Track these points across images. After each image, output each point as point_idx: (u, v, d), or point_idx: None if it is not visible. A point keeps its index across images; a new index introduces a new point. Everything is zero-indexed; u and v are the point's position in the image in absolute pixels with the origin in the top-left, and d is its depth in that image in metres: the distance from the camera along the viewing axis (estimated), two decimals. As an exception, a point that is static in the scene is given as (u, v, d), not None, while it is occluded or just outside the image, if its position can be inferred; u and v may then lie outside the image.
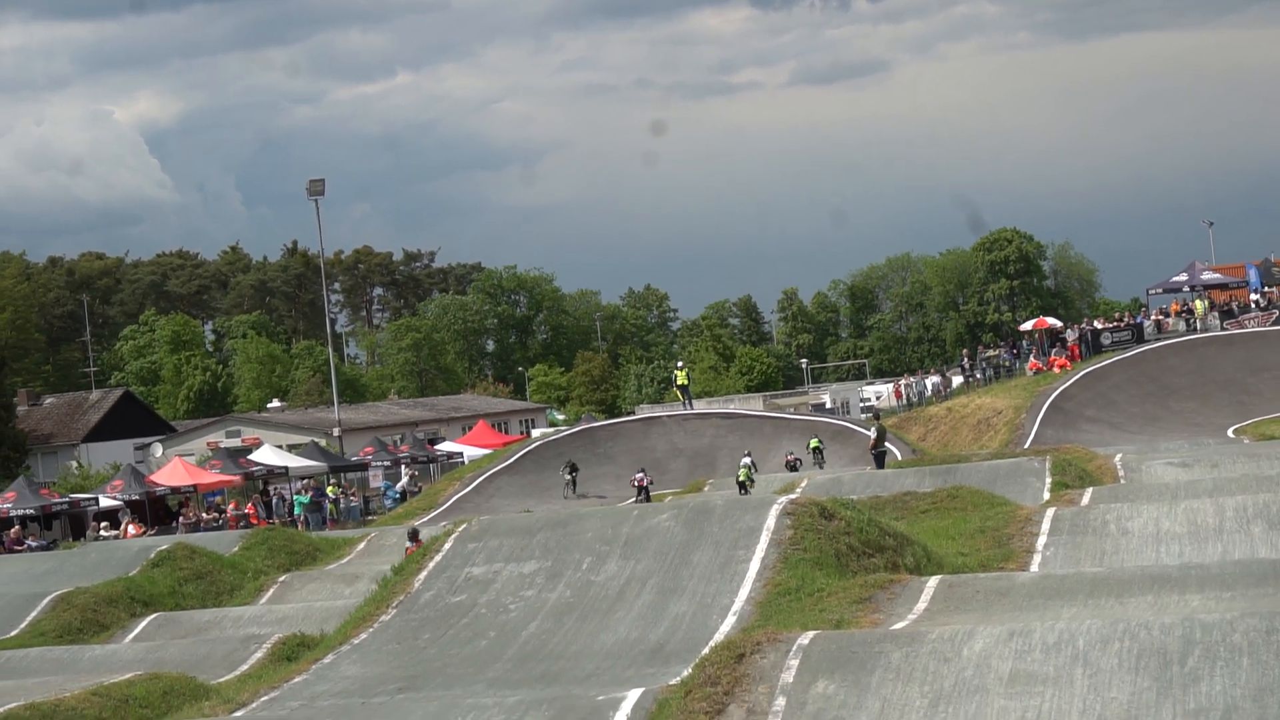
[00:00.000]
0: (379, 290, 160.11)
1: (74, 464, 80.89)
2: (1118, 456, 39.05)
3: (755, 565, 22.96)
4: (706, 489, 47.07)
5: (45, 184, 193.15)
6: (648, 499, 47.32)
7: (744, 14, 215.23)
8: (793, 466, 50.65)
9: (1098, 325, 70.47)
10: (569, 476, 51.82)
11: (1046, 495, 33.22)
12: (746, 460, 49.11)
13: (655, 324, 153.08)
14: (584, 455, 58.12)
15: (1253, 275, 71.36)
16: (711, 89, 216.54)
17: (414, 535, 48.00)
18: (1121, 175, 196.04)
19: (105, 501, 57.38)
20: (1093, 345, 64.28)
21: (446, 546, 25.38)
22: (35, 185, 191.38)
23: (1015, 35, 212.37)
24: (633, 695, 17.12)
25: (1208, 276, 73.80)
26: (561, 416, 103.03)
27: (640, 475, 50.42)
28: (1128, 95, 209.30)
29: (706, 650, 17.93)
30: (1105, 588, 20.62)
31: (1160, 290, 74.51)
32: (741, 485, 47.03)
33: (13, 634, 31.73)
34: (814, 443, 52.22)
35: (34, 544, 49.45)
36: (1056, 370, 60.86)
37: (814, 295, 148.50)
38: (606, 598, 23.05)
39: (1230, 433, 50.57)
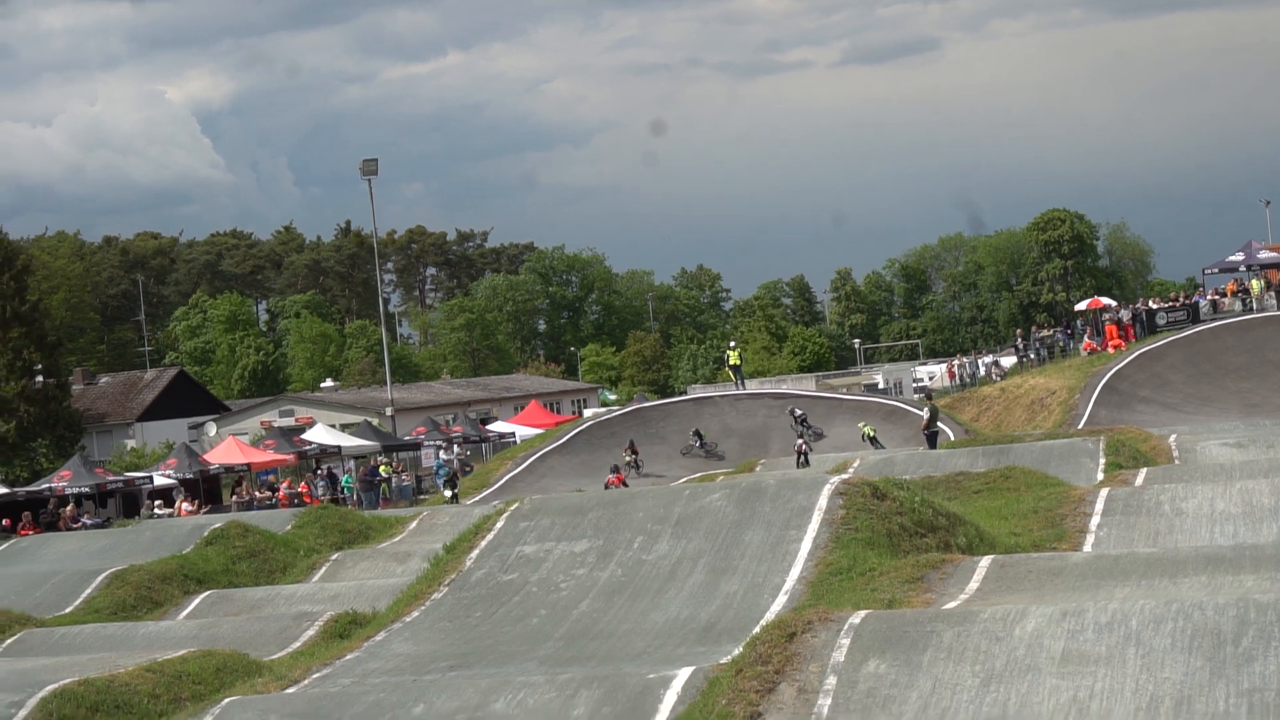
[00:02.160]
0: (432, 270, 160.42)
1: (128, 443, 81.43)
2: (1172, 437, 38.90)
3: (807, 544, 22.96)
4: (759, 469, 46.99)
5: (98, 164, 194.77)
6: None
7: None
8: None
9: (1153, 305, 70.07)
10: (450, 492, 51.07)
11: (1100, 476, 33.12)
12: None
13: (708, 304, 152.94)
14: (636, 434, 58.23)
15: (1320, 252, 71.16)
16: (762, 68, 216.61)
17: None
18: (1177, 154, 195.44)
19: (159, 480, 57.71)
20: (1148, 325, 63.96)
21: (498, 525, 25.45)
22: (89, 165, 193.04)
23: (1068, 12, 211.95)
24: (683, 674, 17.13)
25: (1264, 256, 72.95)
26: (613, 396, 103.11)
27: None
28: (1182, 72, 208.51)
29: (758, 629, 17.95)
30: (1159, 568, 20.55)
31: (1216, 270, 74.00)
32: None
33: (68, 610, 31.96)
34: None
35: (89, 522, 49.74)
36: (1111, 350, 60.63)
37: (867, 275, 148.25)
38: (658, 577, 23.09)
39: (1287, 412, 50.30)
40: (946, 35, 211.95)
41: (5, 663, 25.29)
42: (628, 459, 53.77)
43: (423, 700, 17.57)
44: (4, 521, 49.90)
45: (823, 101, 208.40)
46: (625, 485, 47.58)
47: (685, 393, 78.35)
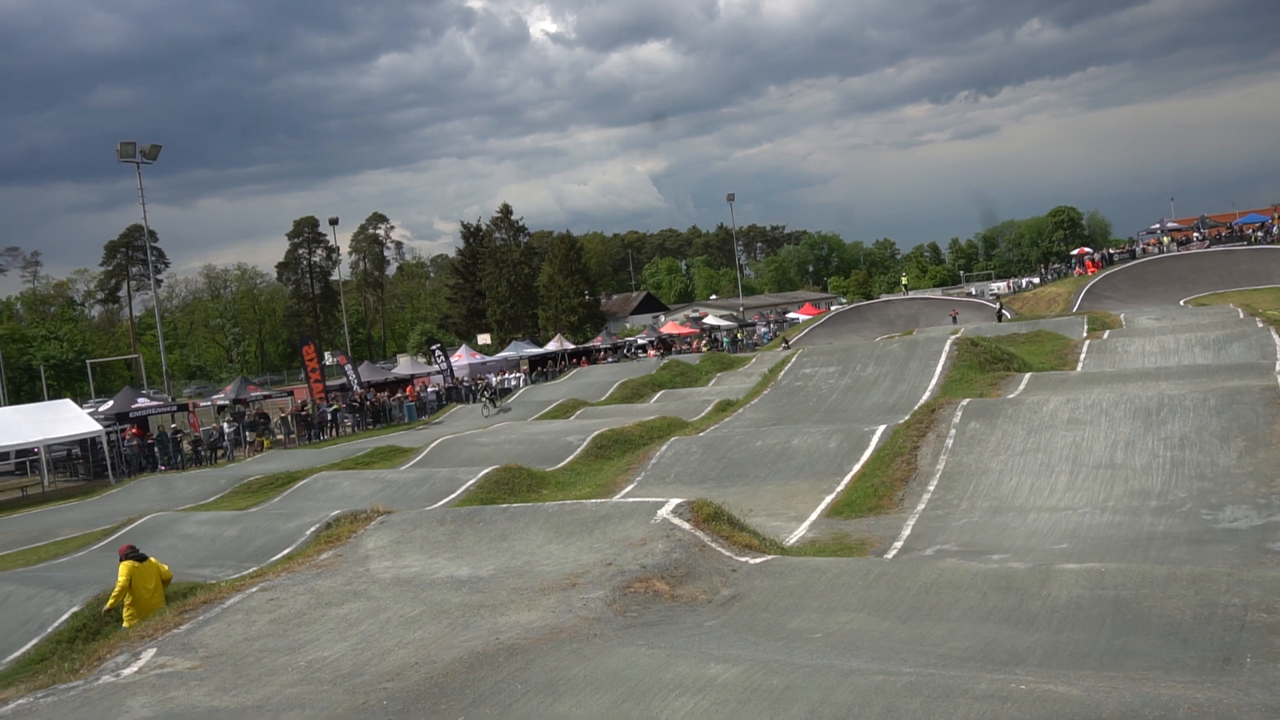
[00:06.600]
0: (760, 244, 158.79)
1: (626, 324, 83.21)
2: (1122, 314, 36.29)
3: (940, 367, 22.30)
4: (914, 333, 45.42)
5: (608, 201, 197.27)
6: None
7: (926, 108, 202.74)
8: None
9: (1111, 251, 65.43)
10: (487, 397, 34.59)
11: (1085, 334, 31.13)
12: (998, 307, 45.22)
13: (889, 255, 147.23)
14: (852, 318, 56.88)
15: (1199, 224, 65.42)
16: (912, 143, 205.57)
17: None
18: (1124, 174, 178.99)
19: (640, 341, 58.92)
20: (1108, 260, 59.50)
21: (793, 360, 25.33)
22: (602, 201, 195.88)
23: (1065, 109, 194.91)
24: (881, 428, 16.88)
25: (1171, 225, 67.78)
26: (844, 300, 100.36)
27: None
28: (1127, 135, 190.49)
29: (916, 407, 17.53)
30: (1117, 378, 19.33)
31: (1144, 233, 68.68)
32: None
33: (601, 399, 33.10)
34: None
35: (609, 360, 51.14)
36: (1090, 273, 56.55)
37: (966, 241, 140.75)
38: (868, 384, 22.72)
39: (1182, 303, 46.22)
40: (1003, 124, 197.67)
41: (577, 422, 26.42)
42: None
43: (759, 439, 17.74)
44: (574, 360, 51.70)
45: (941, 159, 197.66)
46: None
47: (880, 298, 75.97)
